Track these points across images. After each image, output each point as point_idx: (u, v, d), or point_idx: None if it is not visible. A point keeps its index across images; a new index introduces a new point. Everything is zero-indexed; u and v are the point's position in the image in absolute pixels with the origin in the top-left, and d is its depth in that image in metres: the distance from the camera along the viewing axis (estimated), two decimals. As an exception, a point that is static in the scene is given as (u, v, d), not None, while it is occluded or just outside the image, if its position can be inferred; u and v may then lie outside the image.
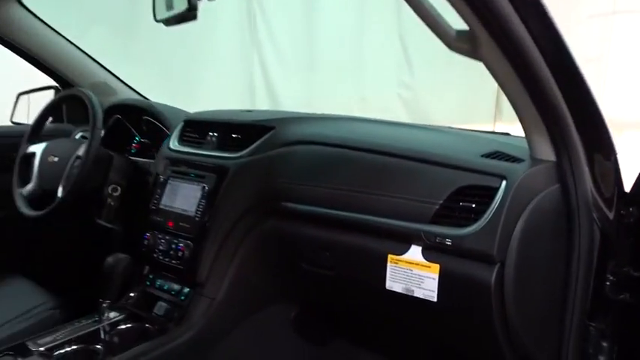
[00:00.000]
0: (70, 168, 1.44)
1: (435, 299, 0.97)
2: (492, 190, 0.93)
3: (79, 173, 1.36)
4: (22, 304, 1.37)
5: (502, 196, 0.92)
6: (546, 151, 0.96)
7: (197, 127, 1.46)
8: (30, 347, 1.13)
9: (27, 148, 1.56)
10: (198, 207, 1.28)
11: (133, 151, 1.74)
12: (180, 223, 1.30)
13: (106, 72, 1.96)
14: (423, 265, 0.99)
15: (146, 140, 1.71)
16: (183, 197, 1.33)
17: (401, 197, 1.04)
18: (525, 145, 1.01)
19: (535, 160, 0.97)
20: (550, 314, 0.97)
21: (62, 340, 1.16)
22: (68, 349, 1.13)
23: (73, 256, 1.73)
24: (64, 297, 1.46)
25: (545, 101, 0.88)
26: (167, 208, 1.36)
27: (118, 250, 1.52)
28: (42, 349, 1.12)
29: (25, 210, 1.46)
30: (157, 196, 1.39)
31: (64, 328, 1.22)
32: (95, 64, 1.92)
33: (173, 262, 1.29)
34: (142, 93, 2.02)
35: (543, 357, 0.97)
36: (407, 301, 1.02)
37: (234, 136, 1.37)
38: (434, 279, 0.97)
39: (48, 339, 1.16)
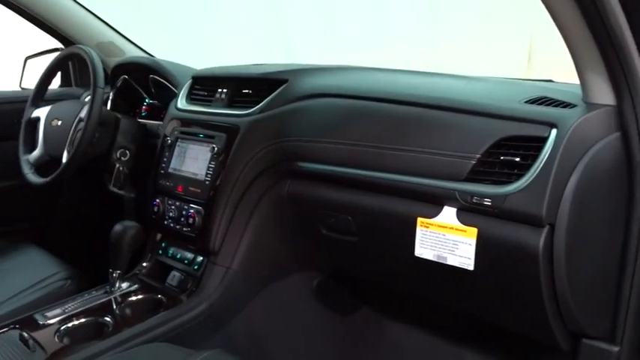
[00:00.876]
0: (73, 131, 1.35)
1: (472, 267, 0.86)
2: (540, 141, 0.80)
3: (82, 136, 1.27)
4: (34, 275, 1.31)
5: (552, 148, 0.78)
6: (604, 94, 0.81)
7: (206, 84, 1.35)
8: (38, 320, 1.07)
9: (31, 112, 1.48)
10: (208, 170, 1.18)
11: (143, 114, 1.65)
12: (190, 188, 1.21)
13: (113, 31, 1.85)
14: (457, 229, 0.87)
15: (155, 102, 1.62)
16: (193, 160, 1.23)
17: (431, 152, 0.91)
18: (576, 90, 0.86)
19: (590, 105, 0.82)
20: (606, 285, 0.84)
21: (71, 313, 1.09)
22: (76, 322, 1.06)
23: (85, 224, 1.67)
24: (76, 267, 1.40)
25: (606, 30, 0.72)
26: (176, 172, 1.26)
27: (131, 217, 1.45)
28: (50, 321, 1.06)
29: (32, 177, 1.40)
30: (165, 160, 1.30)
31: (74, 299, 1.16)
32: (101, 23, 1.81)
33: (184, 229, 1.21)
34: (150, 52, 1.91)
35: (597, 333, 0.85)
36: (439, 269, 0.90)
37: (244, 91, 1.25)
38: (470, 244, 0.85)
39: (57, 311, 1.10)
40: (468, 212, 0.85)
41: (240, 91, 1.25)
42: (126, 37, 1.88)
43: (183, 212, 1.21)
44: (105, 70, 1.59)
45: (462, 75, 1.13)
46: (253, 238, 1.17)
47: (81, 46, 1.38)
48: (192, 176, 1.21)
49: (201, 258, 1.20)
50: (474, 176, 0.85)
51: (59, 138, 1.38)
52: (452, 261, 0.88)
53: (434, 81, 1.09)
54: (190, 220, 1.18)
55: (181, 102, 1.35)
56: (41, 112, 1.45)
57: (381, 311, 1.36)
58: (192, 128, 1.27)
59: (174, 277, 1.22)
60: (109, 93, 1.68)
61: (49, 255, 1.44)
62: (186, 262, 1.24)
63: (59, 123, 1.40)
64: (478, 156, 0.85)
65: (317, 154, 1.07)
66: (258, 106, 1.17)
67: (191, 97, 1.36)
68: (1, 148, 1.49)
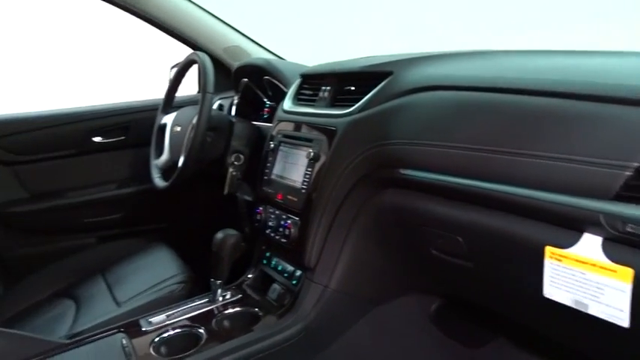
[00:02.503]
0: (188, 137, 1.37)
1: (627, 324, 0.60)
2: None
3: (192, 142, 1.28)
4: (155, 276, 1.37)
5: None
6: None
7: (312, 83, 1.25)
8: (142, 326, 1.08)
9: (161, 119, 1.54)
10: (305, 177, 1.07)
11: (265, 116, 1.62)
12: (288, 196, 1.12)
13: (240, 35, 1.87)
14: (603, 268, 0.61)
15: (273, 103, 1.58)
16: (293, 165, 1.14)
17: (567, 158, 0.66)
18: None
19: None
20: None
21: (171, 321, 1.09)
22: (172, 332, 1.05)
23: (203, 228, 1.70)
24: (195, 269, 1.43)
25: None
26: (277, 179, 1.19)
27: (245, 223, 1.43)
28: (150, 328, 1.07)
29: (158, 181, 1.46)
30: (269, 165, 1.23)
31: (179, 306, 1.16)
32: (228, 28, 1.84)
33: (282, 240, 1.12)
34: (279, 54, 1.89)
35: None
36: (577, 316, 0.66)
37: (347, 88, 1.11)
38: (623, 292, 0.59)
39: (160, 318, 1.11)
40: (619, 245, 0.60)
41: (343, 88, 1.12)
42: (253, 40, 1.89)
43: (281, 222, 1.12)
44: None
45: (606, 52, 0.83)
46: (353, 255, 1.04)
47: (197, 52, 1.39)
48: (292, 184, 1.12)
49: (300, 272, 1.11)
50: (627, 193, 0.59)
51: (179, 143, 1.41)
52: (595, 311, 0.63)
53: (578, 62, 0.82)
54: (287, 232, 1.09)
55: (288, 103, 1.28)
56: (168, 119, 1.50)
57: (508, 343, 1.11)
58: (295, 131, 1.18)
59: (275, 290, 1.15)
60: (234, 97, 1.70)
61: (173, 256, 1.49)
62: (286, 275, 1.15)
63: (179, 129, 1.43)
64: (636, 165, 0.58)
65: (423, 160, 0.89)
66: (358, 105, 1.02)
67: (298, 98, 1.27)
68: (144, 153, 1.59)
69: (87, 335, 1.08)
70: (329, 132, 1.04)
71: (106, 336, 1.07)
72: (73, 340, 1.07)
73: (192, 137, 1.29)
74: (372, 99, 1.00)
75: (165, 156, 1.47)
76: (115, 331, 1.07)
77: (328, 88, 1.15)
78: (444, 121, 0.87)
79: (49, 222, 1.71)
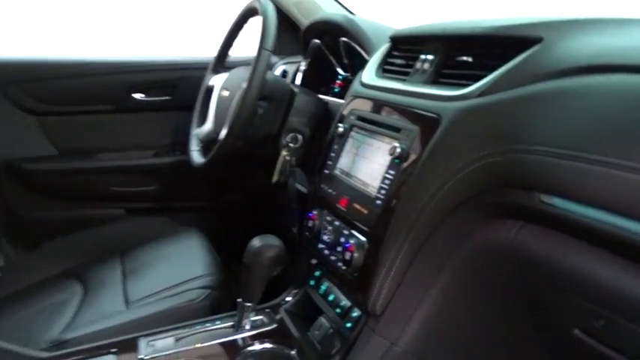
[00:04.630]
0: (234, 104, 1.07)
1: None
2: None
3: (237, 111, 0.98)
4: (180, 273, 1.12)
5: None
6: None
7: (406, 49, 0.90)
8: (140, 349, 0.82)
9: (209, 79, 1.26)
10: (384, 182, 0.74)
11: (336, 90, 1.30)
12: (356, 205, 0.79)
13: (319, -12, 1.54)
14: None
15: (349, 74, 1.25)
16: (367, 162, 0.81)
17: None
18: None
19: None
20: None
21: (178, 350, 0.82)
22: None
23: (244, 218, 1.42)
24: (226, 267, 1.16)
25: None
26: (343, 176, 0.86)
27: (295, 221, 1.13)
28: (148, 357, 0.80)
29: (194, 156, 1.19)
30: (334, 155, 0.91)
31: (193, 326, 0.89)
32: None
33: (340, 265, 0.80)
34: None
35: None
36: None
37: (460, 59, 0.76)
38: None
39: (165, 342, 0.84)
40: None
41: (454, 58, 0.77)
42: (332, -4, 1.56)
43: (341, 239, 0.80)
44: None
45: None
46: (441, 307, 0.70)
47: (261, 0, 1.08)
48: (362, 187, 0.79)
49: (359, 314, 0.79)
50: None
51: (225, 111, 1.13)
52: None
53: None
54: (347, 255, 0.77)
55: (369, 74, 0.94)
56: (217, 81, 1.21)
57: None
58: (374, 114, 0.84)
59: (321, 327, 0.84)
60: (301, 63, 1.38)
61: (204, 248, 1.23)
62: (338, 310, 0.84)
63: (227, 93, 1.14)
64: None
65: (586, 186, 0.53)
66: (479, 84, 0.67)
67: (384, 68, 0.93)
68: (190, 117, 1.33)
69: (71, 351, 0.83)
70: (428, 121, 0.70)
71: (91, 356, 0.81)
72: (51, 355, 0.82)
73: (238, 105, 0.99)
74: (503, 77, 0.64)
75: (207, 125, 1.19)
76: (106, 351, 0.82)
77: (430, 57, 0.80)
78: (626, 123, 0.51)
79: (74, 185, 1.50)
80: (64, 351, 0.84)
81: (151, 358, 0.80)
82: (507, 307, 0.68)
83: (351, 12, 1.56)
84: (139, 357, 0.80)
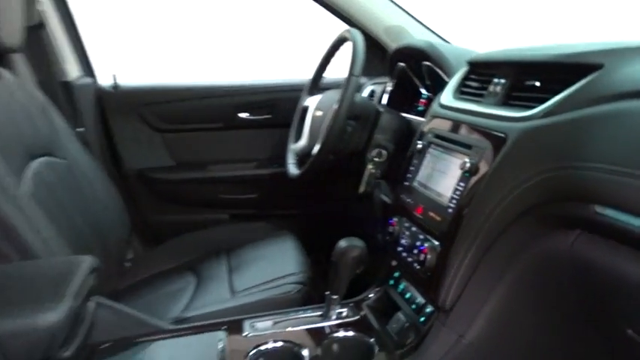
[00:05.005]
0: (327, 123, 1.22)
1: None
2: None
3: (329, 129, 1.13)
4: (276, 269, 1.27)
5: None
6: None
7: (482, 73, 0.99)
8: (244, 329, 0.98)
9: (304, 100, 1.43)
10: (455, 192, 0.84)
11: (420, 109, 1.40)
12: (430, 213, 0.89)
13: (406, 15, 1.65)
14: None
15: (431, 94, 1.35)
16: (442, 175, 0.91)
17: None
18: None
19: None
20: None
21: (275, 330, 0.96)
22: (270, 346, 0.92)
23: (334, 224, 1.55)
24: (316, 267, 1.30)
25: None
26: (420, 188, 0.97)
27: (379, 228, 1.24)
28: (252, 334, 0.96)
29: (291, 168, 1.35)
30: (413, 169, 1.02)
31: (288, 314, 1.03)
32: (393, 5, 1.64)
33: (415, 265, 0.91)
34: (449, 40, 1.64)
35: None
36: None
37: (528, 83, 0.84)
38: None
39: (266, 324, 1.00)
40: None
41: (523, 82, 0.85)
42: (420, 22, 1.67)
43: (417, 243, 0.91)
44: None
45: None
46: (504, 308, 0.78)
47: (350, 29, 1.22)
48: (437, 198, 0.89)
49: (431, 309, 0.88)
50: None
51: (318, 129, 1.28)
52: None
53: None
54: (421, 257, 0.87)
55: (447, 96, 1.04)
56: (311, 102, 1.38)
57: None
58: (450, 132, 0.94)
59: (399, 321, 0.94)
60: (387, 84, 1.51)
61: (297, 250, 1.38)
62: (414, 307, 0.94)
63: (320, 113, 1.29)
64: None
65: (630, 197, 0.60)
66: (543, 106, 0.75)
67: (461, 90, 1.03)
68: (287, 134, 1.50)
69: (191, 325, 1.02)
70: (496, 139, 0.79)
71: (207, 329, 0.98)
72: (176, 327, 1.01)
73: (330, 124, 1.13)
74: (566, 100, 0.72)
75: (303, 141, 1.35)
76: (218, 328, 0.99)
77: (502, 80, 0.89)
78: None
79: (188, 192, 1.74)
80: (186, 325, 1.02)
81: (253, 336, 0.95)
82: (565, 308, 0.74)
83: (440, 36, 1.66)
84: (244, 334, 0.96)
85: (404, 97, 1.44)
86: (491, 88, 0.91)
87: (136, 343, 0.96)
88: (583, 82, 0.71)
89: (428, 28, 1.67)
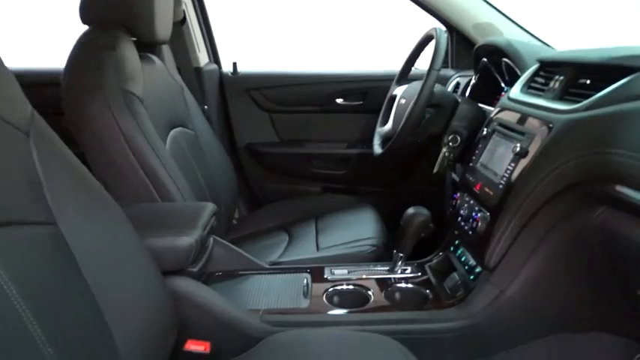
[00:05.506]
0: (408, 110, 1.40)
1: None
2: None
3: (408, 115, 1.31)
4: (355, 233, 1.49)
5: None
6: None
7: (548, 70, 1.11)
8: (324, 274, 1.21)
9: (393, 90, 1.61)
10: (505, 172, 0.99)
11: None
12: (486, 188, 1.05)
13: (496, 12, 1.76)
14: None
15: (510, 87, 1.46)
16: (498, 157, 1.06)
17: None
18: None
19: None
20: None
21: (348, 277, 1.18)
22: (345, 287, 1.14)
23: (410, 200, 1.73)
24: (390, 237, 1.49)
25: None
26: (481, 168, 1.12)
27: (448, 205, 1.41)
28: (330, 277, 1.18)
29: (376, 148, 1.54)
30: (477, 152, 1.17)
31: (360, 266, 1.24)
32: (484, 3, 1.75)
33: (469, 233, 1.07)
34: (538, 36, 1.72)
35: None
36: None
37: (581, 81, 0.96)
38: None
39: (342, 271, 1.22)
40: None
41: (577, 79, 0.97)
42: (510, 18, 1.76)
43: (472, 214, 1.07)
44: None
45: None
46: (540, 269, 0.93)
47: (436, 27, 1.38)
48: (492, 176, 1.05)
49: (480, 269, 1.05)
50: None
51: (402, 115, 1.46)
52: None
53: None
54: (474, 224, 1.04)
55: (516, 90, 1.17)
56: (399, 91, 1.56)
57: None
58: (510, 121, 1.08)
59: (453, 279, 1.12)
60: (472, 77, 1.64)
61: (376, 220, 1.58)
62: (467, 267, 1.11)
63: (404, 101, 1.47)
64: None
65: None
66: (586, 101, 0.88)
67: (530, 85, 1.16)
68: (376, 119, 1.69)
69: (284, 267, 1.27)
70: (544, 128, 0.93)
71: (296, 271, 1.23)
72: (273, 267, 1.27)
73: (409, 111, 1.31)
74: (606, 96, 0.84)
75: (388, 125, 1.54)
76: (304, 271, 1.23)
77: (561, 78, 1.02)
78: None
79: (288, 165, 2.01)
80: (279, 267, 1.27)
81: (331, 278, 1.18)
82: (593, 271, 0.87)
83: (529, 32, 1.74)
84: (325, 277, 1.19)
85: (487, 90, 1.57)
86: (551, 84, 1.04)
87: (241, 275, 1.23)
88: (622, 82, 0.83)
89: (517, 25, 1.76)
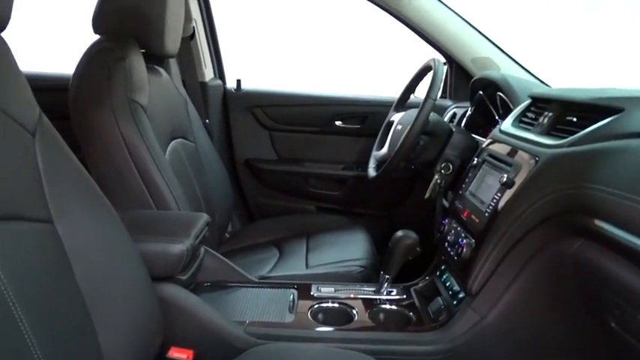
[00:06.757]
0: (404, 135, 1.44)
1: None
2: None
3: (402, 140, 1.34)
4: (345, 253, 1.51)
5: None
6: None
7: (538, 106, 1.16)
8: (311, 290, 1.23)
9: (391, 116, 1.65)
10: (492, 200, 1.02)
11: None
12: (472, 216, 1.08)
13: (494, 47, 1.82)
14: None
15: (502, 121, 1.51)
16: (487, 187, 1.10)
17: None
18: None
19: None
20: None
21: (335, 295, 1.20)
22: (330, 304, 1.16)
23: (401, 224, 1.76)
24: (379, 258, 1.51)
25: None
26: (469, 196, 1.16)
27: (437, 230, 1.44)
28: (317, 294, 1.21)
29: (370, 170, 1.58)
30: (467, 181, 1.21)
31: (347, 285, 1.27)
32: (482, 38, 1.81)
33: (454, 257, 1.10)
34: (534, 73, 1.77)
35: None
36: None
37: (568, 118, 1.00)
38: None
39: (328, 290, 1.24)
40: None
41: (564, 117, 1.01)
42: (507, 54, 1.82)
43: (459, 240, 1.10)
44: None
45: None
46: (520, 296, 0.95)
47: (434, 59, 1.43)
48: (478, 204, 1.08)
49: (463, 295, 1.07)
50: None
51: (397, 140, 1.50)
52: None
53: None
54: (459, 250, 1.07)
55: (507, 123, 1.22)
56: (396, 117, 1.60)
57: None
58: (499, 152, 1.12)
59: (437, 303, 1.14)
60: (468, 109, 1.69)
61: (366, 241, 1.61)
62: (450, 292, 1.13)
63: (400, 127, 1.51)
64: None
65: (627, 217, 0.75)
66: (570, 138, 0.91)
67: (521, 120, 1.20)
68: (373, 143, 1.73)
69: (272, 282, 1.29)
70: (530, 160, 0.97)
71: (283, 287, 1.25)
72: (261, 281, 1.29)
73: (404, 137, 1.35)
74: (589, 134, 0.88)
75: (384, 150, 1.58)
76: (291, 286, 1.25)
77: (550, 114, 1.06)
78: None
79: (284, 183, 2.04)
80: (268, 281, 1.29)
81: (317, 295, 1.20)
82: (569, 300, 0.89)
83: (525, 69, 1.79)
84: (311, 294, 1.21)
85: (481, 122, 1.62)
86: (540, 119, 1.08)
87: (229, 287, 1.25)
88: (605, 121, 0.87)
89: (514, 61, 1.82)
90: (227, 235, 1.89)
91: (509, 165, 1.03)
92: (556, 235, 0.89)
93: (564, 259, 0.87)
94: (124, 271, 0.81)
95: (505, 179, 0.99)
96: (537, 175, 0.93)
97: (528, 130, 1.11)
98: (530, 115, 1.17)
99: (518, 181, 0.97)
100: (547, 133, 1.03)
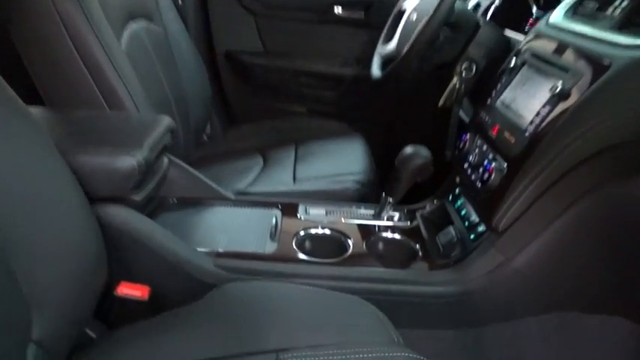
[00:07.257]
0: (419, 27, 1.16)
1: None
2: None
3: (419, 32, 1.07)
4: (340, 165, 1.31)
5: None
6: None
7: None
8: (297, 211, 1.04)
9: (402, 2, 1.35)
10: (537, 115, 0.78)
11: (527, 29, 1.28)
12: (505, 133, 0.85)
13: None
14: None
15: (542, 13, 1.22)
16: (528, 97, 0.85)
17: None
18: None
19: None
20: None
21: (325, 219, 1.01)
22: (320, 231, 0.97)
23: (407, 135, 1.54)
24: (380, 174, 1.31)
25: None
26: (501, 107, 0.92)
27: (451, 146, 1.21)
28: (303, 217, 1.01)
29: (373, 69, 1.32)
30: (499, 87, 0.96)
31: (341, 206, 1.07)
32: None
33: (477, 183, 0.89)
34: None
35: None
36: None
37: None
38: None
39: (318, 211, 1.05)
40: None
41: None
42: None
43: (484, 162, 0.88)
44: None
45: None
46: (557, 241, 0.76)
47: None
48: (515, 118, 0.85)
49: (484, 229, 0.88)
50: None
51: (410, 33, 1.22)
52: None
53: None
54: (486, 175, 0.85)
55: (558, 15, 0.94)
56: (409, 4, 1.30)
57: None
58: (549, 53, 0.86)
59: (448, 234, 0.95)
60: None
61: (365, 152, 1.39)
62: (467, 223, 0.94)
63: (414, 17, 1.22)
64: None
65: None
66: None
67: (576, 11, 0.93)
68: (379, 36, 1.45)
69: (251, 200, 1.09)
70: (598, 65, 0.72)
71: (265, 206, 1.05)
72: (238, 198, 1.08)
73: (421, 28, 1.08)
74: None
75: (391, 44, 1.30)
76: (274, 206, 1.05)
77: (625, 2, 0.79)
78: None
79: (271, 80, 1.76)
80: (247, 198, 1.09)
81: (305, 219, 1.01)
82: (622, 249, 0.71)
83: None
84: (298, 215, 1.02)
85: (512, 14, 1.32)
86: (609, 10, 0.81)
87: (199, 205, 1.05)
88: None
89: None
90: (205, 139, 1.66)
91: (565, 70, 0.78)
92: (619, 170, 0.67)
93: (624, 200, 0.67)
94: (49, 192, 0.64)
95: (559, 88, 0.75)
96: (608, 86, 0.69)
97: (591, 24, 0.84)
98: (590, 4, 0.89)
99: (578, 92, 0.73)
100: (621, 27, 0.77)
